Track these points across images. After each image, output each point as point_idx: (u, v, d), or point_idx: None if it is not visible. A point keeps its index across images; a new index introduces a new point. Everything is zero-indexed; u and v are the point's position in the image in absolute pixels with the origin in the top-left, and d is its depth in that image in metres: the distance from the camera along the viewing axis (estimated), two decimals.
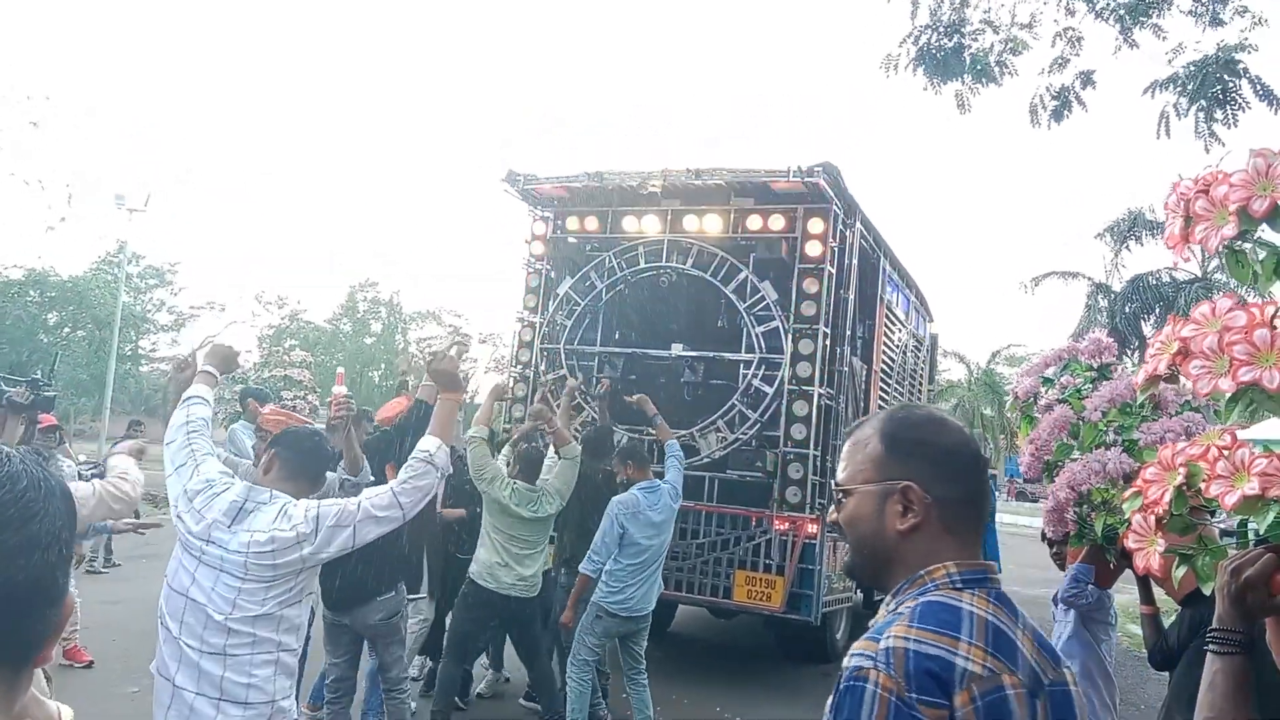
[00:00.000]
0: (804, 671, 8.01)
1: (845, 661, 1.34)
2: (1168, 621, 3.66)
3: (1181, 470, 1.42)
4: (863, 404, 8.63)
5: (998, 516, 12.04)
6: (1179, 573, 1.49)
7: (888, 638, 1.31)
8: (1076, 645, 4.33)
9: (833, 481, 1.58)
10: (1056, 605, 4.39)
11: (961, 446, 1.49)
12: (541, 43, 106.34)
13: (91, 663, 6.62)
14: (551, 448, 6.03)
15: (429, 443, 3.07)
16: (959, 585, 1.38)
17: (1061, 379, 2.96)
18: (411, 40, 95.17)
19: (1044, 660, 1.35)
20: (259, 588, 2.78)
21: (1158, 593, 3.42)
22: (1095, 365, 2.92)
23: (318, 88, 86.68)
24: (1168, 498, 1.43)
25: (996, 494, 12.42)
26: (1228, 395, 1.30)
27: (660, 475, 6.05)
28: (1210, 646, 1.37)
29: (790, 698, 7.43)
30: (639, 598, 5.67)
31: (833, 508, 1.56)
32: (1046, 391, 3.03)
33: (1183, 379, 1.38)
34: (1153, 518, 1.45)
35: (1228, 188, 1.35)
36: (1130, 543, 1.52)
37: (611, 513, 5.61)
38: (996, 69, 8.11)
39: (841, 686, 1.30)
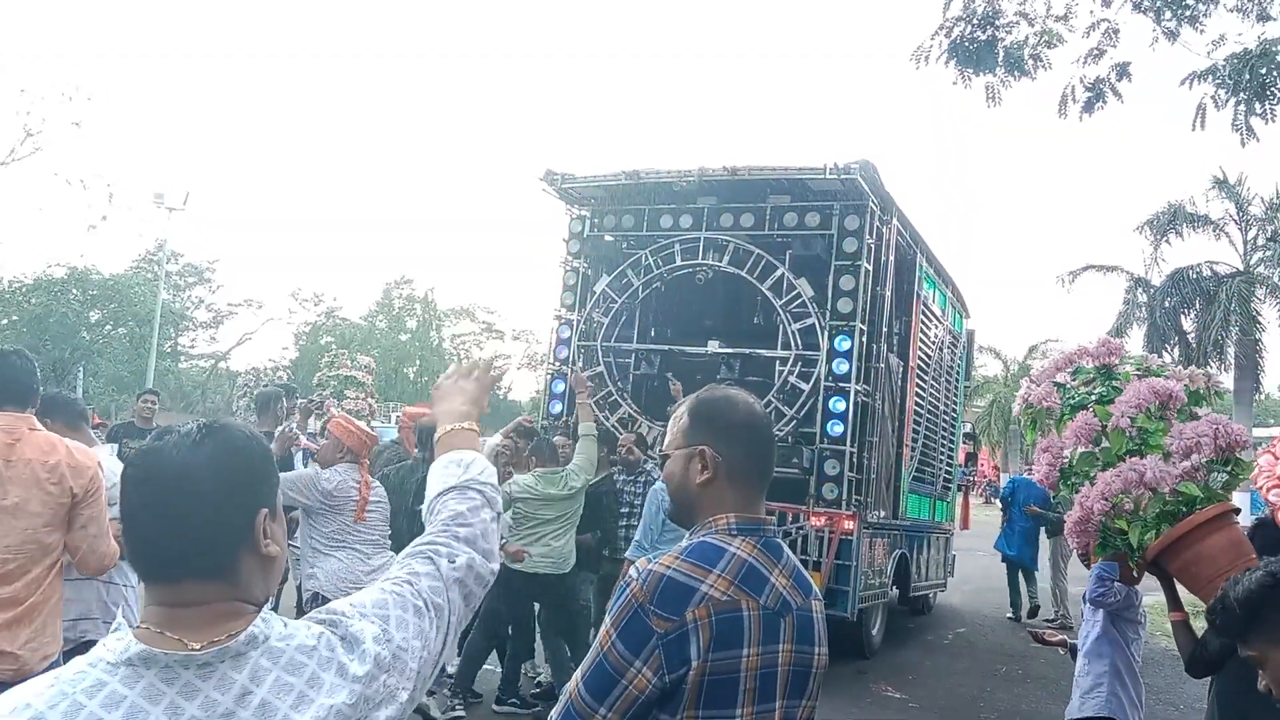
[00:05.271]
0: (840, 667, 8.01)
1: (631, 570, 1.71)
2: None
3: None
4: (899, 400, 8.62)
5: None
6: None
7: (657, 563, 1.68)
8: (1105, 644, 4.25)
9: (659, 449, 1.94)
10: (1085, 604, 4.33)
11: (747, 417, 1.87)
12: (578, 40, 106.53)
13: None
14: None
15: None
16: (733, 532, 1.75)
17: (1078, 382, 2.92)
18: (451, 38, 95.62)
19: (795, 591, 1.77)
20: None
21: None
22: (1102, 366, 2.89)
23: (355, 85, 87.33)
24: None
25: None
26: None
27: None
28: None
29: (825, 692, 7.40)
30: None
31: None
32: (1060, 396, 2.98)
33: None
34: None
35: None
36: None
37: (655, 500, 5.72)
38: (1031, 62, 8.02)
39: (619, 584, 1.71)
